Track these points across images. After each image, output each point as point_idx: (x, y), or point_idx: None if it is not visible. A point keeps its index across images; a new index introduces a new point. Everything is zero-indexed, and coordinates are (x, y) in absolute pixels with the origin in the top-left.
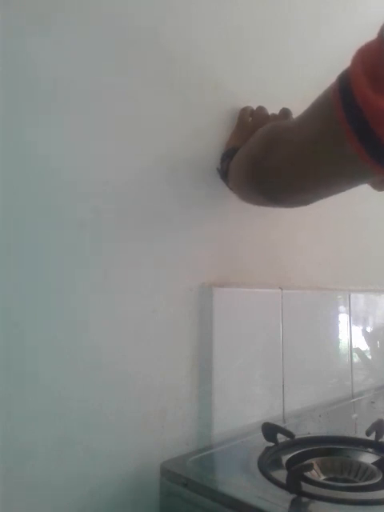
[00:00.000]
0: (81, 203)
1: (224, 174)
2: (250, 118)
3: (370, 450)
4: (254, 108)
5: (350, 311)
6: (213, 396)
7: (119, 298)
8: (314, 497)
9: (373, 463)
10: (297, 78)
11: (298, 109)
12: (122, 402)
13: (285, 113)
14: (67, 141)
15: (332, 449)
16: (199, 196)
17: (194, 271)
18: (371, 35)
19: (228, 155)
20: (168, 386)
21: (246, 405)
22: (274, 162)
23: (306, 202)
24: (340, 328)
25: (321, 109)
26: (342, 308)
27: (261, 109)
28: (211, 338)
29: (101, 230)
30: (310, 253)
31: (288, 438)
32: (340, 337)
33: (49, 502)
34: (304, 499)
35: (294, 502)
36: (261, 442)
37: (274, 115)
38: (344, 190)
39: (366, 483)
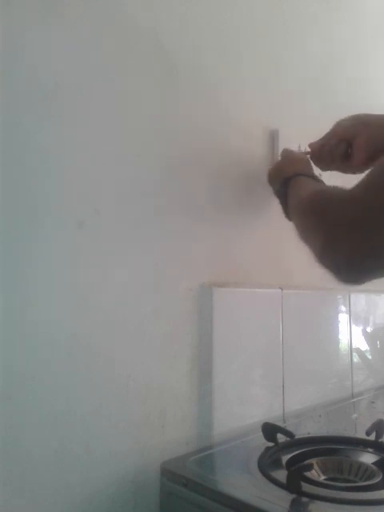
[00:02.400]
0: (81, 203)
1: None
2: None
3: (370, 449)
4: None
5: (349, 311)
6: (213, 396)
7: (119, 298)
8: (314, 497)
9: (373, 463)
10: (297, 79)
11: (298, 108)
12: (122, 402)
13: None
14: (67, 141)
15: (332, 449)
16: (199, 196)
17: (194, 271)
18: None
19: (284, 186)
20: (168, 386)
21: (245, 405)
22: (344, 249)
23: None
24: (340, 328)
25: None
26: (342, 308)
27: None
28: (211, 338)
29: (101, 230)
30: (311, 253)
31: (288, 438)
32: (340, 337)
33: (50, 502)
34: (304, 499)
35: (294, 502)
36: (261, 442)
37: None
38: None
39: (366, 483)
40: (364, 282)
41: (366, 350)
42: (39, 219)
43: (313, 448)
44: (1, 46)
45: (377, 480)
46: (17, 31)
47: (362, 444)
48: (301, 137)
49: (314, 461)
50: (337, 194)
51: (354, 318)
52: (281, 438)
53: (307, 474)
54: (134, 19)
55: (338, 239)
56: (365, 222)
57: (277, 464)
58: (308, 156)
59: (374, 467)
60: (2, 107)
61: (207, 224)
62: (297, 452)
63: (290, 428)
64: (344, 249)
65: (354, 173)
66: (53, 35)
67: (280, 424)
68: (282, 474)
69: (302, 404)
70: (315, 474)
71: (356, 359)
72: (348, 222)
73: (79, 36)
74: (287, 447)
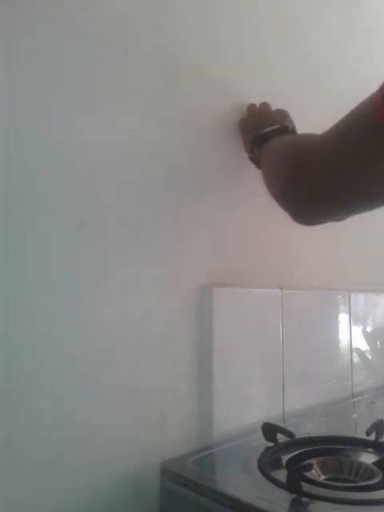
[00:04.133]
0: (81, 203)
1: (258, 163)
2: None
3: (370, 449)
4: (258, 105)
5: (349, 311)
6: (213, 396)
7: (119, 298)
8: (313, 497)
9: (373, 463)
10: (297, 79)
11: (298, 108)
12: (122, 402)
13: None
14: (67, 141)
15: (332, 449)
16: (199, 196)
17: (194, 271)
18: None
19: (256, 143)
20: (168, 386)
21: (246, 405)
22: (306, 186)
23: (338, 219)
24: (340, 328)
25: (360, 120)
26: (342, 308)
27: (265, 104)
28: (211, 338)
29: (101, 230)
30: (310, 253)
31: (288, 438)
32: (340, 337)
33: (50, 502)
34: (304, 499)
35: (294, 502)
36: (261, 442)
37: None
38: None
39: (366, 483)
40: (318, 223)
41: (366, 350)
42: (39, 219)
43: (313, 448)
44: (1, 49)
45: (377, 480)
46: (15, 32)
47: (362, 444)
48: None
49: (313, 461)
50: (309, 137)
51: (353, 318)
52: (281, 437)
53: (307, 473)
54: (134, 18)
55: (305, 175)
56: (332, 162)
57: (277, 464)
58: None
59: (373, 467)
60: (2, 107)
61: (207, 224)
62: (297, 452)
63: (290, 428)
64: (308, 185)
65: None
66: (52, 35)
67: (280, 424)
68: (282, 474)
69: (302, 404)
70: (315, 474)
71: (356, 359)
72: (316, 160)
73: (79, 36)
74: (287, 447)
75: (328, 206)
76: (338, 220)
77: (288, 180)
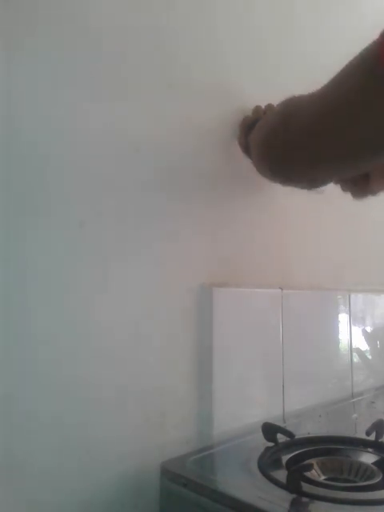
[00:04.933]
0: (81, 203)
1: (246, 148)
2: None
3: (370, 449)
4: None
5: (350, 311)
6: (213, 396)
7: (119, 297)
8: (313, 497)
9: (373, 463)
10: (297, 79)
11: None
12: (122, 402)
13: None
14: (67, 140)
15: (332, 449)
16: (199, 196)
17: (194, 271)
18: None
19: (250, 127)
20: (168, 386)
21: (246, 405)
22: (292, 135)
23: (316, 181)
24: (340, 328)
25: (359, 67)
26: (342, 308)
27: (270, 105)
28: (211, 338)
29: (101, 230)
30: (310, 253)
31: (288, 438)
32: (340, 337)
33: (50, 503)
34: (304, 499)
35: (294, 502)
36: (261, 442)
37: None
38: (363, 166)
39: (366, 483)
40: (294, 183)
41: (366, 350)
42: (39, 219)
43: (313, 448)
44: (1, 49)
45: (377, 480)
46: (14, 31)
47: (362, 444)
48: None
49: (313, 461)
50: (302, 96)
51: (353, 318)
52: (281, 437)
53: (307, 473)
54: (134, 18)
55: (294, 123)
56: (319, 120)
57: (277, 464)
58: None
59: (374, 467)
60: (2, 107)
61: (207, 224)
62: (297, 452)
63: (290, 428)
64: (295, 131)
65: (364, 196)
66: (52, 35)
67: (280, 424)
68: (282, 474)
69: (302, 404)
70: (315, 474)
71: (356, 359)
72: (304, 112)
73: (79, 36)
74: (287, 447)
75: (307, 155)
76: (316, 187)
77: (274, 128)
